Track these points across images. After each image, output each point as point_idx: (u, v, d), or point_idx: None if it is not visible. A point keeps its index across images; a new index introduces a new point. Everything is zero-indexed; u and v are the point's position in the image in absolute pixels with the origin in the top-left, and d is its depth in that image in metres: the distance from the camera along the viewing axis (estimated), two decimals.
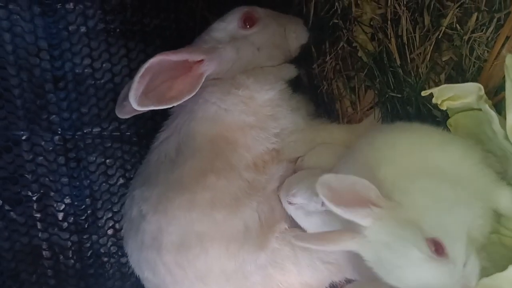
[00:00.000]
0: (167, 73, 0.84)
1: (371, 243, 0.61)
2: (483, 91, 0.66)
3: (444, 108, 0.69)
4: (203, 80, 0.86)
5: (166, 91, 0.85)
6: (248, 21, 0.92)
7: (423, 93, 0.69)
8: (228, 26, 0.92)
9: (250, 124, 0.88)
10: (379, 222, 0.59)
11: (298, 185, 0.85)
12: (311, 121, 0.92)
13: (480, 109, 0.65)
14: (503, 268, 0.56)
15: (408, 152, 0.66)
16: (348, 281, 0.89)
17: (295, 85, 0.94)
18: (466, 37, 0.72)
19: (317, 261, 0.85)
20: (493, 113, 0.64)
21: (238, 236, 0.83)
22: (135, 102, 0.81)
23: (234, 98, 0.88)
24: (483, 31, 0.72)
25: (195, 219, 0.83)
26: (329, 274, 0.86)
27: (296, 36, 0.94)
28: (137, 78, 0.80)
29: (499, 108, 0.66)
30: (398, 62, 0.78)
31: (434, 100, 0.68)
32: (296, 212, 0.86)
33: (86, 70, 0.96)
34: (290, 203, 0.85)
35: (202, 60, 0.87)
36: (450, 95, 0.68)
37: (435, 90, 0.68)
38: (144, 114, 1.00)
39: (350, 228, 0.64)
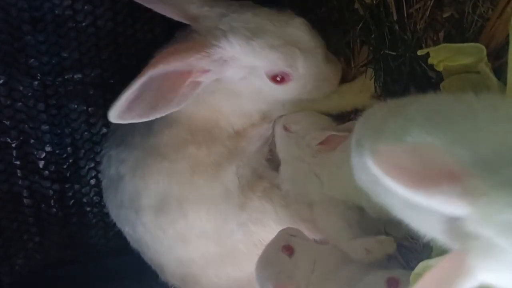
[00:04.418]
0: (158, 77, 0.72)
1: (486, 243, 0.38)
2: (485, 53, 0.61)
3: (440, 69, 0.64)
4: (199, 90, 0.75)
5: (152, 99, 0.73)
6: (280, 78, 0.77)
7: (419, 52, 0.64)
8: (256, 61, 0.75)
9: (233, 112, 0.84)
10: (484, 199, 0.38)
11: (302, 116, 0.85)
12: None
13: (477, 72, 0.61)
14: None
15: None
16: None
17: None
18: None
19: (297, 218, 0.85)
20: (493, 77, 0.60)
21: (218, 199, 0.83)
22: (116, 116, 0.72)
23: (221, 95, 0.81)
24: None
25: (174, 184, 0.82)
26: (308, 232, 0.85)
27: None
28: (128, 93, 0.70)
29: (499, 73, 0.61)
30: (395, 16, 0.73)
31: (430, 60, 0.63)
32: (287, 139, 0.85)
33: (66, 12, 0.90)
34: (286, 129, 0.84)
35: (207, 70, 0.75)
36: (448, 56, 0.63)
37: (432, 49, 0.63)
38: (129, 62, 0.96)
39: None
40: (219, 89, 0.80)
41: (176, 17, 0.77)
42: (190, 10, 0.76)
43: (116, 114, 0.71)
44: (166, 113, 0.74)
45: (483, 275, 0.38)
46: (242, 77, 0.78)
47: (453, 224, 0.39)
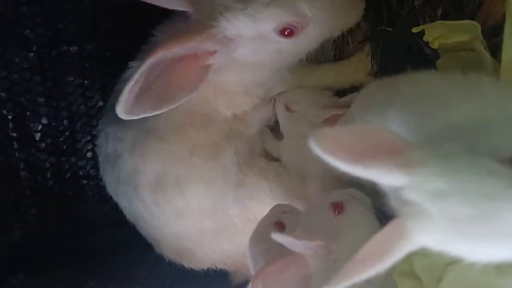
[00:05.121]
0: (165, 66, 0.68)
1: (419, 209, 0.40)
2: (479, 30, 0.60)
3: (435, 46, 0.63)
4: (209, 73, 0.72)
5: (162, 90, 0.69)
6: (289, 31, 0.72)
7: (414, 30, 0.64)
8: (260, 27, 0.71)
9: (235, 92, 0.83)
10: (420, 169, 0.40)
11: (302, 94, 0.86)
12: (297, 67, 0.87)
13: (473, 50, 0.60)
14: None
15: None
16: None
17: None
18: None
19: (291, 194, 0.86)
20: (487, 55, 0.59)
21: (217, 177, 0.84)
22: (124, 112, 0.67)
23: (228, 72, 0.79)
24: None
25: (173, 164, 0.82)
26: (302, 208, 0.86)
27: None
28: (129, 85, 0.66)
29: (495, 51, 0.61)
30: None
31: (425, 37, 0.63)
32: (288, 119, 0.86)
33: None
34: (288, 108, 0.85)
35: (213, 51, 0.71)
36: (443, 33, 0.63)
37: (427, 26, 0.63)
38: (125, 35, 0.95)
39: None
40: (226, 66, 0.77)
41: (172, 5, 0.73)
42: None
43: (123, 109, 0.67)
44: (180, 102, 0.71)
45: (419, 239, 0.41)
46: (256, 48, 0.74)
47: (395, 193, 0.42)
